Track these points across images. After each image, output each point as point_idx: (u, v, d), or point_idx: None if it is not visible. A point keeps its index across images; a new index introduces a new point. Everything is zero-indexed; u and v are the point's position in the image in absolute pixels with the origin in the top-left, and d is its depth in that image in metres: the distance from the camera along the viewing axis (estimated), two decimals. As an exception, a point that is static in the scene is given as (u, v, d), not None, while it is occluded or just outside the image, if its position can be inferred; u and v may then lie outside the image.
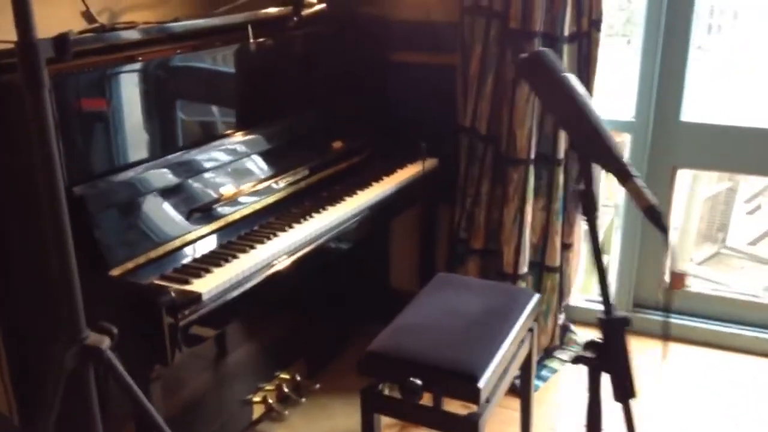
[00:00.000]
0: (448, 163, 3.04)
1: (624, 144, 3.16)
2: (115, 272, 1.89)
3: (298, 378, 2.86)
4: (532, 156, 2.81)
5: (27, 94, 1.34)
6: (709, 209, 4.65)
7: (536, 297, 2.48)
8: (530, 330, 2.42)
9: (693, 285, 3.52)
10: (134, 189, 2.02)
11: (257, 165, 2.44)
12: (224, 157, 2.34)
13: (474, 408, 2.07)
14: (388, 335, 2.23)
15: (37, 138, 1.41)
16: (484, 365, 2.08)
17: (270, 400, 2.74)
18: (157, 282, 1.94)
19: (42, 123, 1.38)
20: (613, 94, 3.24)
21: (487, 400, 2.09)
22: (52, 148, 1.46)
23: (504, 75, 2.82)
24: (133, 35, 2.13)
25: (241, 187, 2.32)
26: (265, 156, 2.48)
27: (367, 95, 3.08)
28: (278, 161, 2.50)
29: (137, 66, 2.10)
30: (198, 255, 2.09)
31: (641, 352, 3.15)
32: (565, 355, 3.19)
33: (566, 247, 3.04)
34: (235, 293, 2.01)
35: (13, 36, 1.35)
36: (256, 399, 2.73)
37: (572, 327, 3.30)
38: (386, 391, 2.21)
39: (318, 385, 2.88)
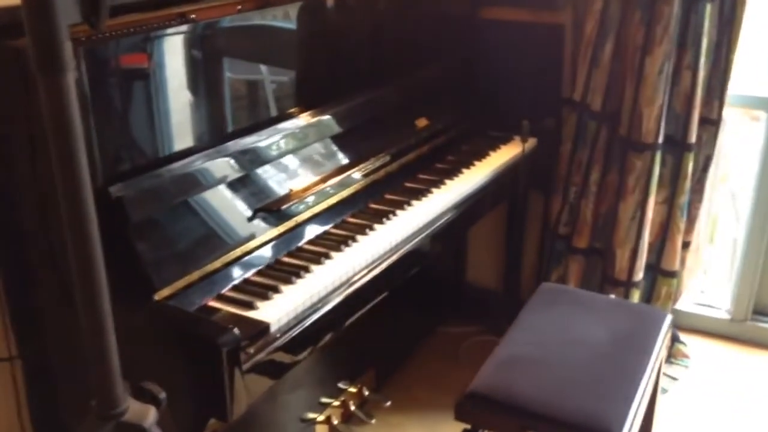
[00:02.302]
0: (548, 143, 2.55)
1: (759, 123, 2.63)
2: (163, 294, 1.46)
3: (366, 392, 2.43)
4: (660, 140, 2.31)
5: (41, 81, 0.89)
6: None
7: (669, 320, 2.01)
8: (674, 378, 1.96)
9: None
10: (184, 186, 1.57)
11: (330, 152, 1.98)
12: (291, 144, 1.88)
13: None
14: (493, 371, 1.79)
15: (55, 134, 0.96)
16: (621, 419, 1.63)
17: (335, 421, 2.33)
18: (212, 304, 1.51)
19: (63, 118, 0.93)
20: (751, 65, 2.69)
21: (625, 463, 1.64)
22: (76, 145, 1.01)
23: (628, 39, 2.30)
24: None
25: (313, 179, 1.87)
26: (340, 140, 2.02)
27: (453, 61, 2.58)
28: (354, 146, 2.03)
29: (188, 28, 1.64)
30: (263, 266, 1.66)
31: (758, 364, 2.68)
32: (673, 371, 2.72)
33: (684, 246, 2.55)
34: (311, 319, 1.57)
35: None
36: (319, 418, 2.32)
37: (680, 336, 2.82)
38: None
39: (389, 402, 2.45)
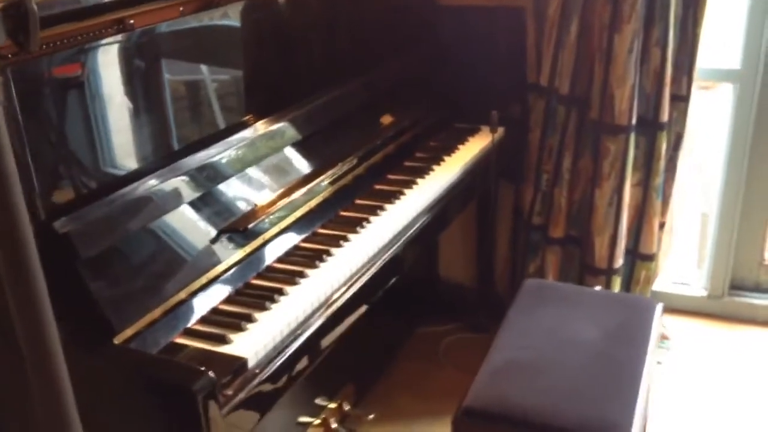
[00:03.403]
0: (516, 131, 2.44)
1: (726, 96, 2.58)
2: (124, 335, 1.30)
3: (347, 407, 2.31)
4: (634, 122, 2.22)
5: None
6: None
7: (660, 308, 1.94)
8: (657, 363, 1.89)
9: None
10: (137, 213, 1.41)
11: (293, 160, 1.84)
12: (250, 155, 1.73)
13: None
14: (487, 381, 1.68)
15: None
16: (628, 420, 1.54)
17: (316, 441, 2.20)
18: (180, 341, 1.37)
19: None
20: (716, 38, 2.62)
21: (634, 468, 1.56)
22: (9, 179, 0.86)
23: (594, 17, 2.20)
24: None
25: (277, 191, 1.73)
26: (302, 147, 1.88)
27: (413, 52, 2.45)
28: (318, 152, 1.89)
29: (129, 37, 1.47)
30: (232, 292, 1.52)
31: (738, 339, 2.64)
32: (658, 354, 2.66)
33: (660, 227, 2.48)
34: (293, 347, 1.44)
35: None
36: (299, 440, 2.19)
37: (660, 318, 2.76)
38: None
39: (372, 415, 2.33)
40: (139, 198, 1.42)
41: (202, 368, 1.20)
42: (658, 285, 2.72)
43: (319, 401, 2.25)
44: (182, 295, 1.43)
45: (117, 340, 1.29)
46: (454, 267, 2.87)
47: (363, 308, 1.74)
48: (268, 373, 1.36)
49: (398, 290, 2.63)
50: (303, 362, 1.48)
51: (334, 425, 2.23)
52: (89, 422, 1.25)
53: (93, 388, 1.30)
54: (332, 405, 2.28)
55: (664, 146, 2.30)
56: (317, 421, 2.23)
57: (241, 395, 1.29)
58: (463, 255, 2.83)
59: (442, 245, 2.87)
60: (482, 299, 2.76)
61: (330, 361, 2.20)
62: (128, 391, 1.28)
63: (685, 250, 2.95)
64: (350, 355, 2.33)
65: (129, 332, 1.32)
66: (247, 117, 1.82)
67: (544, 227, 2.47)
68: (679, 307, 2.81)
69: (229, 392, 1.26)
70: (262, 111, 1.86)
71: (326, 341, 1.58)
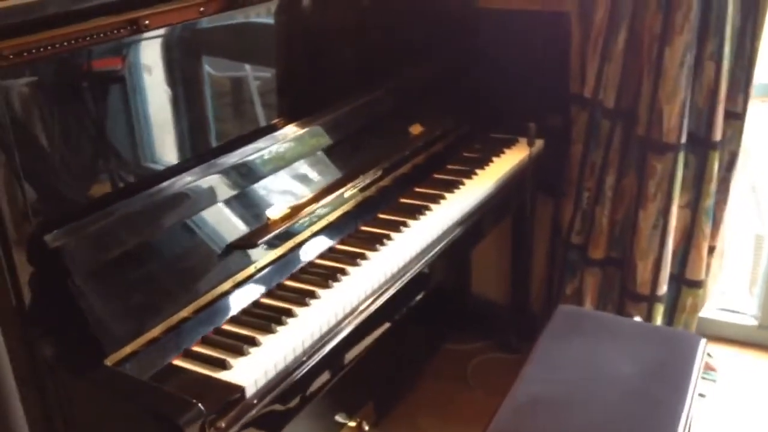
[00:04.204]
0: (556, 144, 2.31)
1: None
2: (121, 354, 1.23)
3: (366, 427, 2.21)
4: (683, 140, 2.07)
5: None
6: None
7: (703, 345, 1.79)
8: (700, 395, 1.74)
9: None
10: (137, 227, 1.33)
11: (314, 170, 1.74)
12: (269, 164, 1.64)
13: None
14: (510, 417, 1.56)
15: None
16: (661, 471, 1.40)
17: (333, 462, 2.11)
18: (178, 363, 1.28)
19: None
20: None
21: None
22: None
23: (644, 28, 2.05)
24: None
25: (293, 203, 1.63)
26: (325, 156, 1.78)
27: (449, 57, 2.33)
28: (341, 162, 1.80)
29: (136, 38, 1.39)
30: (239, 312, 1.43)
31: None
32: (702, 387, 2.49)
33: (709, 251, 2.31)
34: (296, 375, 1.34)
35: None
36: (316, 461, 2.10)
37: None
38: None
39: (392, 439, 2.23)
40: (139, 211, 1.34)
41: (192, 399, 1.11)
42: (706, 312, 2.55)
43: (338, 418, 2.15)
44: (184, 313, 1.35)
45: (110, 360, 1.22)
46: (486, 283, 2.75)
47: (379, 332, 1.64)
48: (267, 404, 1.27)
49: (427, 304, 2.53)
50: (307, 391, 1.39)
51: (351, 446, 2.14)
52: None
53: (82, 410, 1.24)
54: (351, 423, 2.18)
55: (716, 166, 2.13)
56: (336, 441, 2.14)
57: (236, 428, 1.20)
58: (496, 271, 2.70)
59: (475, 259, 2.75)
60: (515, 318, 2.63)
61: (351, 376, 2.11)
62: (116, 416, 1.20)
63: (735, 274, 2.76)
64: (372, 370, 2.23)
65: (127, 350, 1.25)
66: (268, 124, 1.73)
67: (584, 247, 2.33)
68: (727, 337, 2.64)
69: (222, 425, 1.17)
70: (290, 116, 1.77)
71: (335, 369, 1.48)
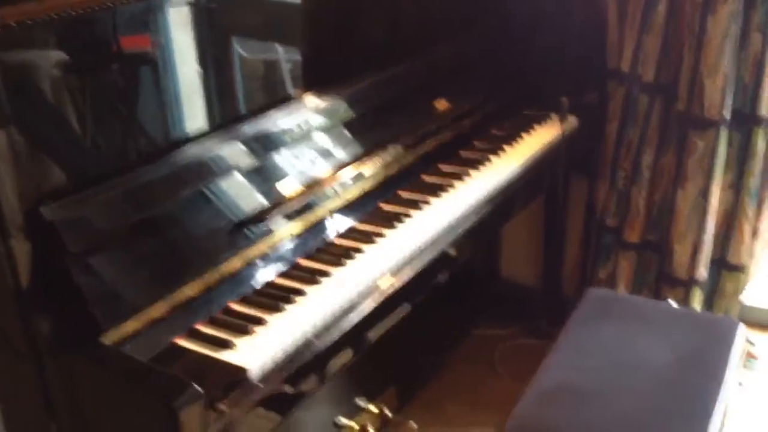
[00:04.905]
0: (591, 121, 2.20)
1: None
2: (119, 334, 1.18)
3: (388, 413, 2.14)
4: (726, 116, 1.95)
5: None
6: None
7: (742, 330, 1.68)
8: (739, 384, 1.64)
9: None
10: (142, 200, 1.28)
11: (334, 144, 1.67)
12: (285, 136, 1.57)
13: None
14: (534, 404, 1.48)
15: None
16: (693, 466, 1.32)
17: (353, 448, 2.05)
18: (181, 343, 1.23)
19: None
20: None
21: None
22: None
23: (686, -4, 1.94)
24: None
25: (310, 179, 1.57)
26: (345, 130, 1.71)
27: (478, 30, 2.23)
28: (362, 136, 1.72)
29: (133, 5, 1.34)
30: (250, 291, 1.37)
31: None
32: (741, 375, 2.37)
33: (753, 234, 2.19)
34: (307, 358, 1.28)
35: None
36: (335, 446, 2.05)
37: (747, 335, 2.47)
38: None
39: (414, 424, 2.16)
40: (143, 182, 1.29)
41: (189, 381, 1.06)
42: (748, 298, 2.42)
43: (359, 402, 2.10)
44: (191, 291, 1.30)
45: (110, 339, 1.17)
46: (517, 266, 2.66)
47: (399, 314, 1.57)
48: (274, 386, 1.21)
49: (454, 287, 2.45)
50: (319, 374, 1.33)
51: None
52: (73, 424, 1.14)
53: (83, 390, 1.20)
54: (373, 408, 2.12)
55: (761, 144, 2.01)
56: (356, 426, 2.08)
57: (238, 411, 1.14)
58: (528, 253, 2.61)
59: (505, 241, 2.66)
60: (546, 303, 2.54)
61: (372, 359, 2.05)
62: (114, 396, 1.16)
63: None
64: (395, 353, 2.17)
65: (129, 329, 1.20)
66: (295, 92, 1.67)
67: (619, 230, 2.22)
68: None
69: (222, 407, 1.11)
70: (311, 86, 1.70)
71: (351, 352, 1.42)
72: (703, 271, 2.11)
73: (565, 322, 1.74)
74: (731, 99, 1.96)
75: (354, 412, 2.07)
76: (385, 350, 2.10)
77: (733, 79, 1.94)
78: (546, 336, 2.48)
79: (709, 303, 2.23)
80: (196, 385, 1.05)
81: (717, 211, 2.10)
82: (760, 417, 2.15)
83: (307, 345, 1.28)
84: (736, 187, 2.08)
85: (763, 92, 1.95)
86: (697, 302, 2.17)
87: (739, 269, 2.17)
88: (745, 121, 2.01)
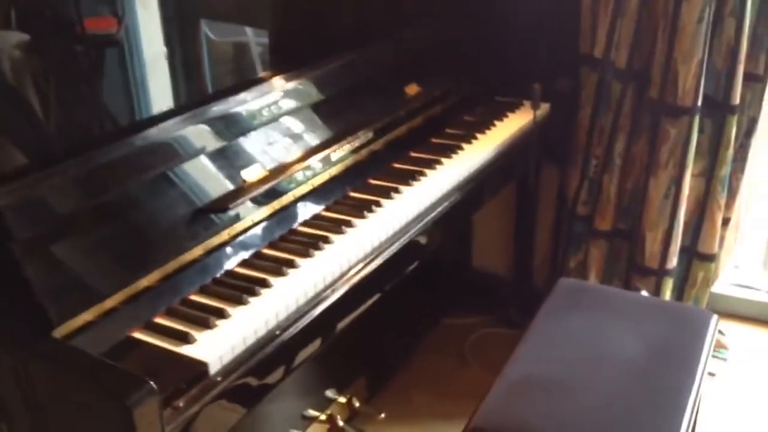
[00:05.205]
0: (563, 108, 2.17)
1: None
2: (71, 327, 1.12)
3: (357, 404, 2.11)
4: (699, 103, 1.93)
5: None
6: None
7: (714, 320, 1.67)
8: (710, 374, 1.62)
9: None
10: (98, 183, 1.22)
11: (300, 128, 1.62)
12: (248, 120, 1.52)
13: None
14: (502, 398, 1.45)
15: None
16: (665, 460, 1.29)
17: (321, 439, 2.01)
18: (137, 336, 1.18)
19: None
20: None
21: None
22: None
23: (660, -19, 1.91)
24: None
25: (274, 165, 1.51)
26: (314, 114, 1.66)
27: (450, 13, 2.19)
28: (332, 121, 1.67)
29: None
30: (209, 281, 1.32)
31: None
32: (710, 365, 2.37)
33: (724, 223, 2.18)
34: (267, 350, 1.23)
35: None
36: (304, 436, 2.00)
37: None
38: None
39: (383, 415, 2.13)
40: (97, 167, 1.23)
41: (143, 376, 1.00)
42: (718, 287, 2.42)
43: (329, 393, 2.06)
44: (147, 282, 1.24)
45: (61, 332, 1.11)
46: (488, 255, 2.63)
47: (366, 304, 1.53)
48: (235, 381, 1.16)
49: (424, 276, 2.41)
50: (279, 371, 1.28)
51: (340, 423, 2.04)
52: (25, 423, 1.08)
53: (39, 387, 1.13)
54: (341, 399, 2.09)
55: (734, 132, 2.00)
56: (323, 417, 2.04)
57: (196, 407, 1.09)
58: (499, 242, 2.58)
59: (476, 231, 2.63)
60: (517, 292, 2.52)
61: (340, 350, 2.01)
62: (68, 393, 1.09)
63: (750, 248, 2.63)
64: (364, 344, 2.13)
65: (80, 321, 1.14)
66: (262, 74, 1.61)
67: (590, 218, 2.20)
68: (740, 313, 2.52)
69: (180, 404, 1.06)
70: (278, 68, 1.64)
71: (316, 343, 1.37)
72: (674, 260, 2.10)
73: (536, 312, 1.71)
74: (704, 86, 1.95)
75: (322, 403, 2.03)
76: (353, 340, 2.06)
77: (705, 65, 1.92)
78: (517, 326, 2.47)
79: (679, 292, 2.22)
80: (151, 381, 0.99)
81: (688, 199, 2.09)
82: (731, 407, 2.15)
83: (271, 337, 1.23)
84: (708, 175, 2.07)
85: (736, 80, 1.94)
86: (668, 292, 2.16)
87: (709, 258, 2.17)
88: (718, 108, 1.99)
